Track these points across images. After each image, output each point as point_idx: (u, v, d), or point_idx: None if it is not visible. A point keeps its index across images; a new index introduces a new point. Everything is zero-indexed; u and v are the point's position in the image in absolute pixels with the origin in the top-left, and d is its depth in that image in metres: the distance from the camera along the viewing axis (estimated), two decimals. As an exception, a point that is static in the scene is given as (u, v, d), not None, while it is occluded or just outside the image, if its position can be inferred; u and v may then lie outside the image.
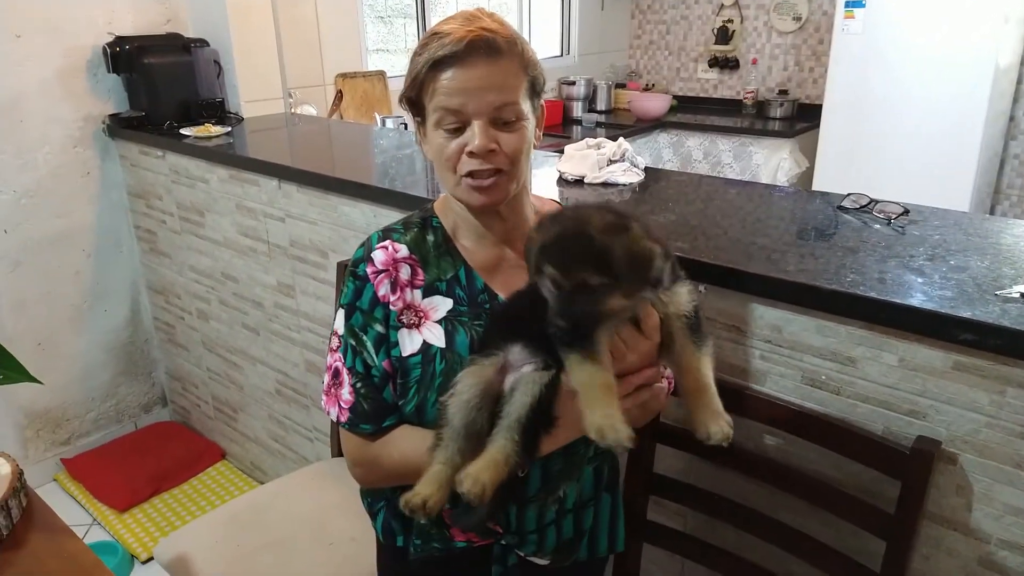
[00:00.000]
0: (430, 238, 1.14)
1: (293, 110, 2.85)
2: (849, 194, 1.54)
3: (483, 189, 1.04)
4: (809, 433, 1.19)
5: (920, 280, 1.15)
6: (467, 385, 0.97)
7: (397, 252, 1.11)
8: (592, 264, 0.81)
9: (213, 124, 2.45)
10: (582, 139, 1.89)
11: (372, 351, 1.09)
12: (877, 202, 1.49)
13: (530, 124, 1.06)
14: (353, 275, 1.11)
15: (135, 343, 2.88)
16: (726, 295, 1.26)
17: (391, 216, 1.71)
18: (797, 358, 1.22)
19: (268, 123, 2.63)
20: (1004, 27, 3.13)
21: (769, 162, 3.97)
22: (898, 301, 1.08)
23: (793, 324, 1.20)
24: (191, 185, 2.37)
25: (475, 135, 1.00)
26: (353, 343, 1.10)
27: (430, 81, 1.01)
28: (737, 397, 1.26)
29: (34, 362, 2.57)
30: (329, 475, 1.79)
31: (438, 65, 0.99)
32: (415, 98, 1.06)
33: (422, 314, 1.10)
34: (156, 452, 2.75)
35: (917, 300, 1.08)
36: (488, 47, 0.99)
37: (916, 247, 1.28)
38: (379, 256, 1.11)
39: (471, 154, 1.01)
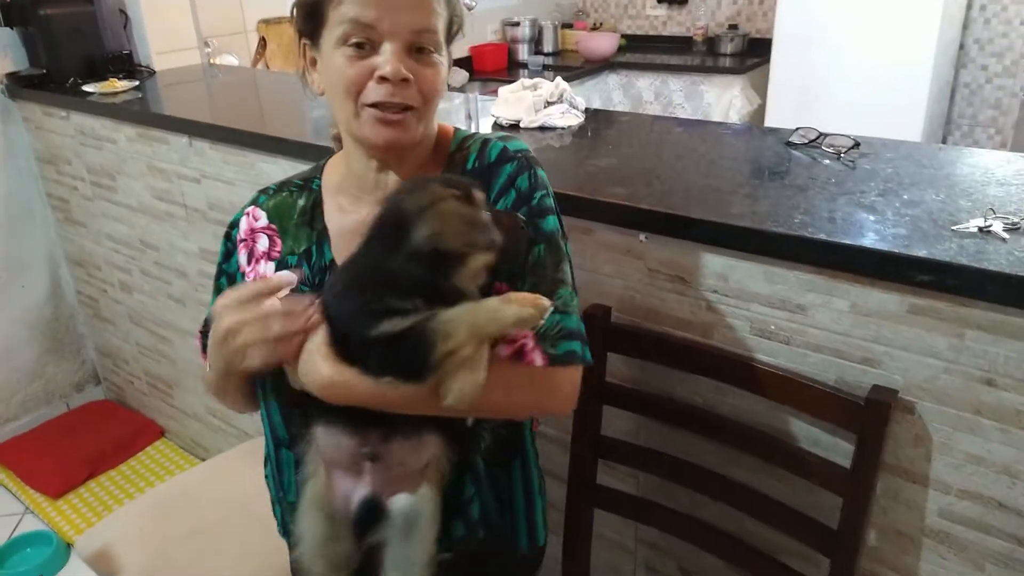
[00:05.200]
0: (300, 203, 1.02)
1: (212, 61, 2.65)
2: (797, 128, 1.45)
3: (390, 123, 0.89)
4: (759, 387, 1.11)
5: (872, 218, 1.06)
6: (310, 526, 0.89)
7: (256, 221, 1.03)
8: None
9: (120, 79, 2.25)
10: (524, 82, 1.76)
11: None
12: (826, 136, 1.40)
13: (444, 61, 0.93)
14: (227, 237, 1.07)
15: (59, 319, 2.71)
16: (667, 243, 1.17)
17: (311, 172, 1.58)
18: (744, 308, 1.13)
19: (183, 76, 2.43)
20: (953, -50, 3.04)
21: (720, 101, 3.86)
22: (848, 242, 1.00)
23: (739, 271, 1.11)
24: (99, 147, 2.18)
25: (388, 58, 0.86)
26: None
27: None
28: (683, 352, 1.18)
29: (-54, 345, 2.40)
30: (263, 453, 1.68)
31: None
32: (315, 4, 0.89)
33: None
34: (91, 433, 2.61)
35: (869, 240, 1.00)
36: None
37: (867, 182, 1.20)
38: (243, 224, 1.04)
39: (382, 79, 0.87)
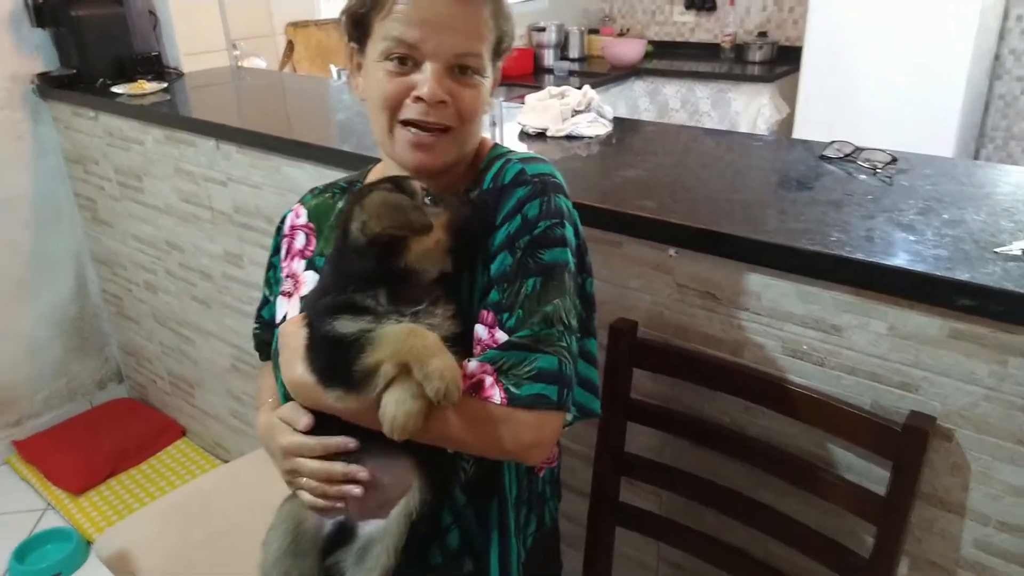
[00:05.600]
0: (339, 205, 1.03)
1: (239, 63, 2.66)
2: (832, 142, 1.42)
3: (422, 146, 0.89)
4: (791, 408, 1.08)
5: (911, 238, 1.03)
6: (277, 538, 0.92)
7: (298, 218, 1.06)
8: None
9: (148, 80, 2.26)
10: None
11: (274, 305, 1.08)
12: (862, 150, 1.36)
13: (487, 83, 0.92)
14: (277, 231, 1.10)
15: (84, 317, 2.73)
16: (698, 259, 1.14)
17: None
18: (777, 327, 1.10)
19: (211, 78, 2.44)
20: (991, -40, 2.98)
21: (748, 109, 3.81)
22: (887, 263, 0.97)
23: (772, 290, 1.09)
24: (126, 148, 2.20)
25: (427, 79, 0.85)
26: (266, 292, 1.11)
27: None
28: (712, 370, 1.15)
29: (-27, 341, 2.43)
30: (282, 457, 1.67)
31: None
32: (363, 15, 0.88)
33: (298, 286, 1.02)
34: (113, 430, 2.62)
35: (908, 261, 0.97)
36: None
37: (905, 200, 1.17)
38: (288, 219, 1.07)
39: (418, 99, 0.86)
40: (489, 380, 0.82)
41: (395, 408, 0.77)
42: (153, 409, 2.76)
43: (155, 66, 2.41)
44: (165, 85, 2.26)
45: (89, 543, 2.20)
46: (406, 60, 0.86)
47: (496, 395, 0.82)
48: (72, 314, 2.69)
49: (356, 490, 0.86)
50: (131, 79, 2.30)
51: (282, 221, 1.10)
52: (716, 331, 1.17)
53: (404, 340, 0.77)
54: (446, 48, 0.85)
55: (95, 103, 2.22)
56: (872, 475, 1.07)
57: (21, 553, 2.10)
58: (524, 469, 0.98)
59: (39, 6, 2.25)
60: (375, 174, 1.04)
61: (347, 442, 0.86)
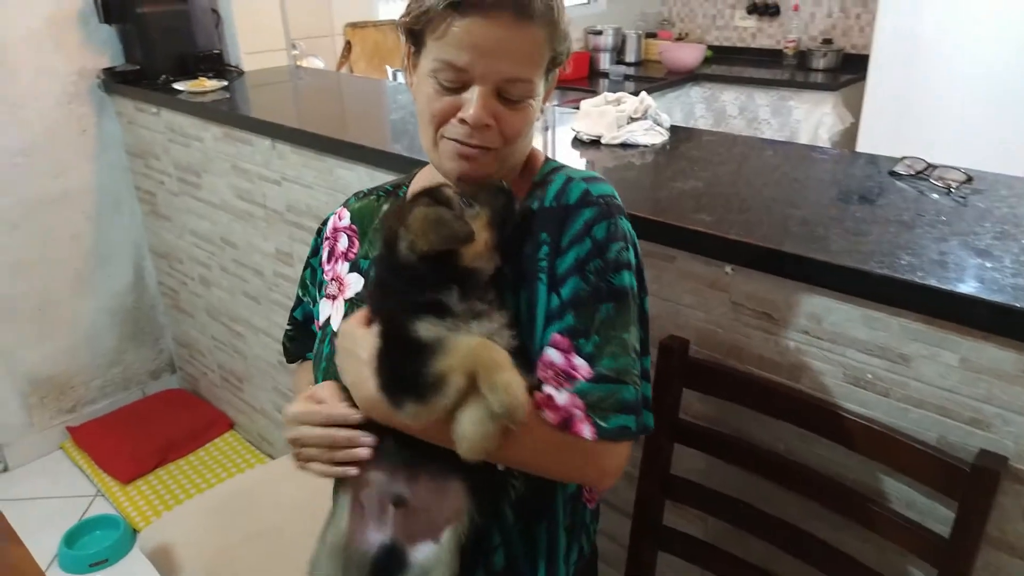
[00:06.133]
0: (384, 208, 1.02)
1: (298, 63, 2.69)
2: (903, 158, 1.35)
3: (466, 157, 0.88)
4: (851, 439, 1.03)
5: (988, 264, 0.97)
6: (325, 566, 0.89)
7: (341, 220, 1.06)
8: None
9: (209, 78, 2.30)
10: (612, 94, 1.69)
11: (310, 305, 1.10)
12: (935, 167, 1.30)
13: (537, 102, 0.90)
14: (317, 233, 1.11)
15: (140, 308, 2.79)
16: (756, 277, 1.09)
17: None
18: (839, 352, 1.05)
19: (270, 77, 2.47)
20: (1077, -34, 2.83)
21: (810, 118, 3.71)
22: (962, 291, 0.91)
23: (835, 314, 1.03)
24: (186, 144, 2.23)
25: (472, 102, 0.84)
26: (300, 293, 1.12)
27: (440, 22, 0.83)
28: (767, 394, 1.11)
29: (35, 327, 2.50)
30: (325, 458, 1.67)
31: (457, 7, 0.82)
32: (418, 32, 0.88)
33: (341, 289, 1.01)
34: (163, 421, 2.68)
35: (984, 290, 0.90)
36: (520, 6, 0.82)
37: (981, 222, 1.10)
38: (331, 222, 1.07)
39: (462, 121, 0.85)
40: (579, 414, 0.83)
41: (472, 428, 0.75)
42: (203, 401, 2.81)
43: (216, 64, 2.45)
44: (225, 83, 2.30)
45: (135, 531, 2.25)
46: (454, 83, 0.85)
47: (586, 431, 0.82)
48: (129, 305, 2.75)
49: (363, 452, 0.85)
50: (193, 76, 2.34)
51: (324, 223, 1.10)
52: (772, 353, 1.12)
53: (474, 349, 0.76)
54: (495, 73, 0.84)
55: (157, 99, 2.27)
56: (935, 514, 1.01)
57: (71, 538, 2.15)
58: (572, 494, 0.97)
59: (107, 2, 2.30)
60: (421, 177, 1.03)
61: (350, 414, 0.85)
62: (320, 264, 1.07)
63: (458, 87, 0.85)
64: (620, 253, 0.87)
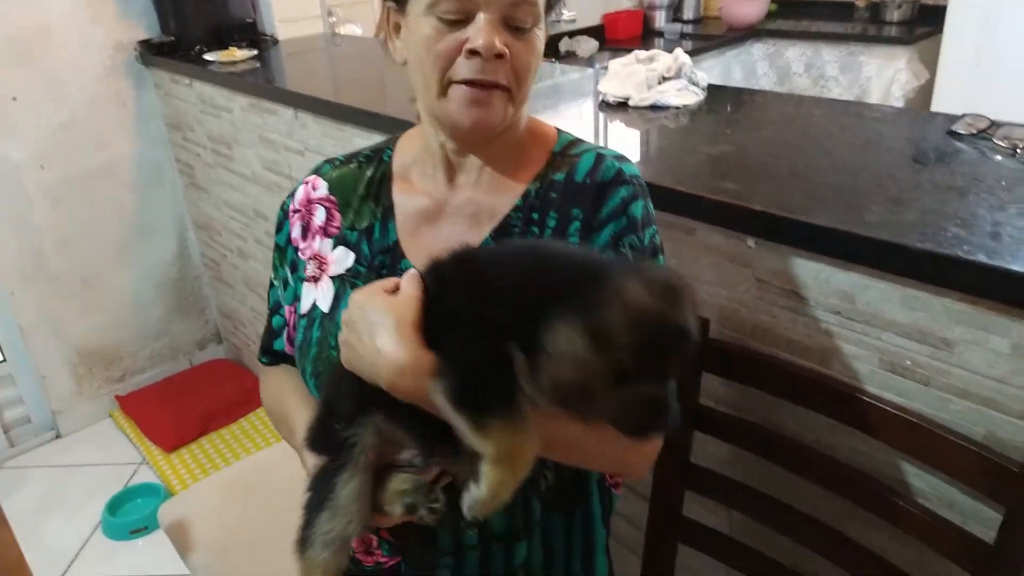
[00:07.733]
0: (368, 173, 0.95)
1: (335, 30, 2.63)
2: (964, 115, 1.20)
3: (479, 102, 0.80)
4: (886, 432, 0.92)
5: (1052, 236, 0.84)
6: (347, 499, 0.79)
7: (315, 191, 0.96)
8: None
9: (240, 48, 2.26)
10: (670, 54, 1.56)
11: (280, 290, 1.00)
12: (1000, 126, 1.15)
13: (543, 34, 0.83)
14: (281, 207, 1.00)
15: (185, 279, 2.82)
16: (781, 252, 0.99)
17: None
18: (874, 336, 0.94)
19: (305, 45, 2.42)
20: None
21: (882, 74, 3.45)
22: (1016, 268, 0.78)
23: (870, 292, 0.92)
24: (217, 115, 2.21)
25: (481, 29, 0.77)
26: (272, 278, 1.03)
27: None
28: (795, 380, 1.00)
29: (81, 299, 2.55)
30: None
31: None
32: None
33: (324, 267, 0.93)
34: (208, 390, 2.72)
35: (1045, 266, 0.78)
36: None
37: (1049, 188, 0.96)
38: (299, 193, 0.97)
39: (472, 53, 0.77)
40: None
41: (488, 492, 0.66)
42: (246, 371, 2.83)
43: (250, 33, 2.41)
44: (255, 53, 2.26)
45: (177, 499, 2.29)
46: (456, 15, 0.78)
47: None
48: (174, 276, 2.78)
49: None
50: (225, 46, 2.31)
51: (290, 196, 0.99)
52: (800, 336, 1.01)
53: (528, 438, 0.66)
54: None
55: (189, 70, 2.25)
56: (979, 516, 0.90)
57: (114, 505, 2.20)
58: (599, 480, 0.93)
59: (141, -27, 2.29)
60: (407, 141, 0.95)
61: None
62: (290, 242, 0.97)
63: (461, 18, 0.78)
64: (655, 238, 0.87)
